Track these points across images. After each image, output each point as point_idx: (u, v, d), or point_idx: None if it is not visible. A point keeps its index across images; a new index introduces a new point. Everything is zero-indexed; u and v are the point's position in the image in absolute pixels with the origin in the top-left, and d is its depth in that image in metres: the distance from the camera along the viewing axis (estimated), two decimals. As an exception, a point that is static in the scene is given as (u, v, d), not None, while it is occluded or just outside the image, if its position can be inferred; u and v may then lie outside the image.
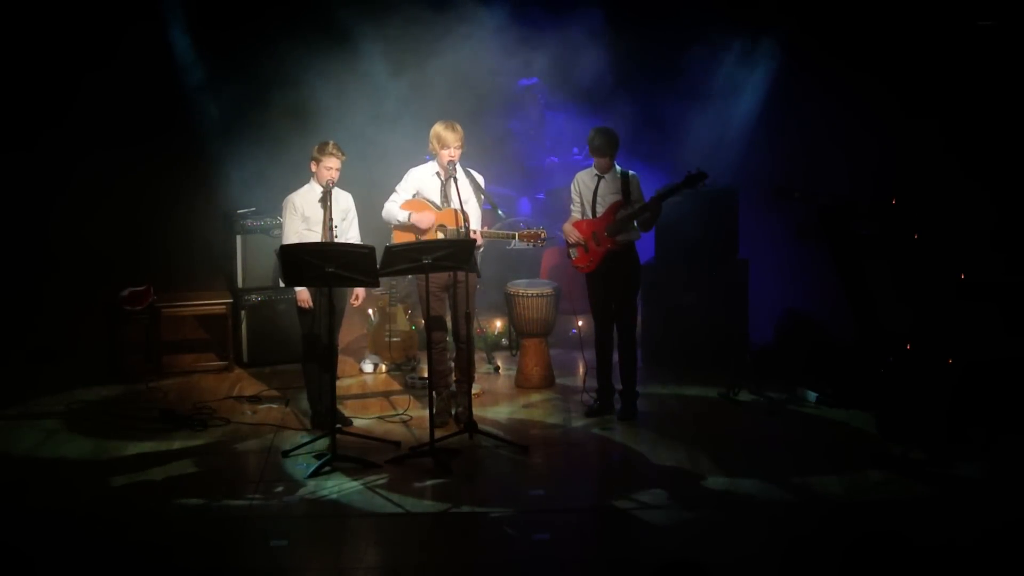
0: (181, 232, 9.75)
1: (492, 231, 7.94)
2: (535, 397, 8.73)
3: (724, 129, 9.97)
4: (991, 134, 9.17)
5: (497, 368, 9.32)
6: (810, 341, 8.77)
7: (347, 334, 9.58)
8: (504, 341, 9.76)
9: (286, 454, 7.47)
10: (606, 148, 7.94)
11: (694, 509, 6.63)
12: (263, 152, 9.62)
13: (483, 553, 6.32)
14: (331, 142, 7.76)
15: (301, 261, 7.12)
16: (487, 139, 9.64)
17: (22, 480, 7.19)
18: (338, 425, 7.56)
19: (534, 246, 8.20)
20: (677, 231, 9.19)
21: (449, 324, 8.05)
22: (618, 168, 8.04)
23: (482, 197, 7.99)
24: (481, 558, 6.27)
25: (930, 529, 6.27)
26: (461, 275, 7.63)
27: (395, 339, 9.38)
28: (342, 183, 7.83)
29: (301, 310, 7.85)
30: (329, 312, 7.42)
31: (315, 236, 7.72)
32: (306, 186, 7.87)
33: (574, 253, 8.15)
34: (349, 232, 7.96)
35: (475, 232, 7.77)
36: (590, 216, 8.07)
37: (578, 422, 8.16)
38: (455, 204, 7.71)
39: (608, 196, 8.01)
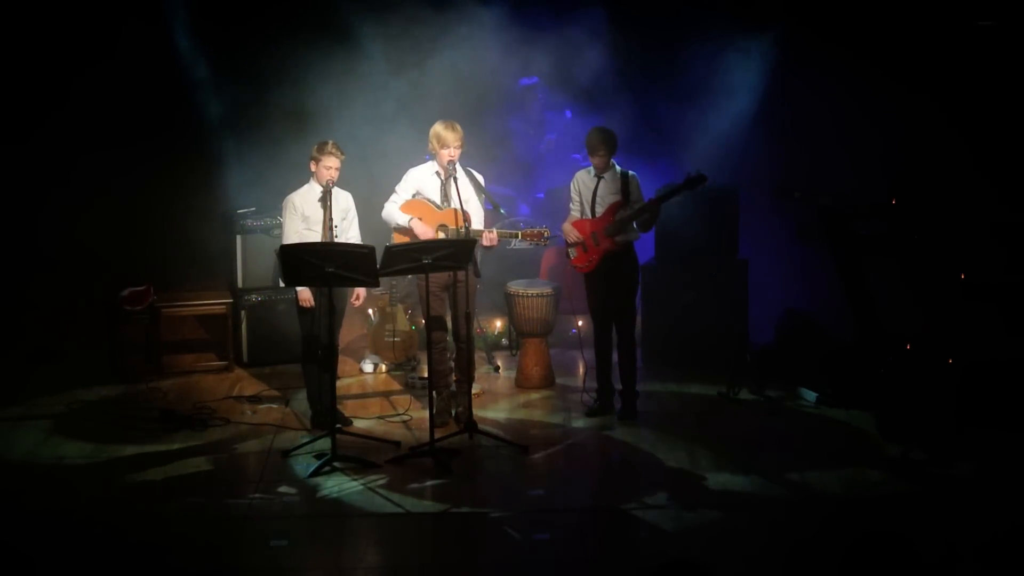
0: (181, 232, 9.74)
1: (500, 230, 7.93)
2: (535, 397, 8.73)
3: (724, 128, 9.96)
4: (993, 132, 9.18)
5: (497, 368, 9.33)
6: (810, 341, 8.77)
7: (347, 334, 9.57)
8: (504, 341, 9.76)
9: (286, 454, 7.47)
10: (598, 145, 7.92)
11: (694, 509, 6.63)
12: (263, 152, 9.61)
13: (483, 553, 6.33)
14: (330, 142, 7.76)
15: (301, 261, 7.12)
16: (487, 139, 9.63)
17: (22, 480, 7.19)
18: (338, 425, 7.56)
19: (537, 245, 8.19)
20: (677, 231, 9.19)
21: (449, 324, 8.05)
22: (618, 168, 8.04)
23: (483, 196, 7.99)
24: (481, 558, 6.27)
25: (930, 529, 6.27)
26: (461, 275, 7.63)
27: (395, 339, 9.38)
28: (342, 183, 7.83)
29: (301, 310, 7.85)
30: (329, 312, 7.42)
31: (315, 236, 7.72)
32: (306, 186, 7.87)
33: (573, 253, 8.15)
34: (349, 232, 7.95)
35: (490, 232, 7.77)
36: (589, 216, 8.07)
37: (578, 422, 8.16)
38: (455, 204, 7.71)
39: (607, 196, 8.01)
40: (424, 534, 6.47)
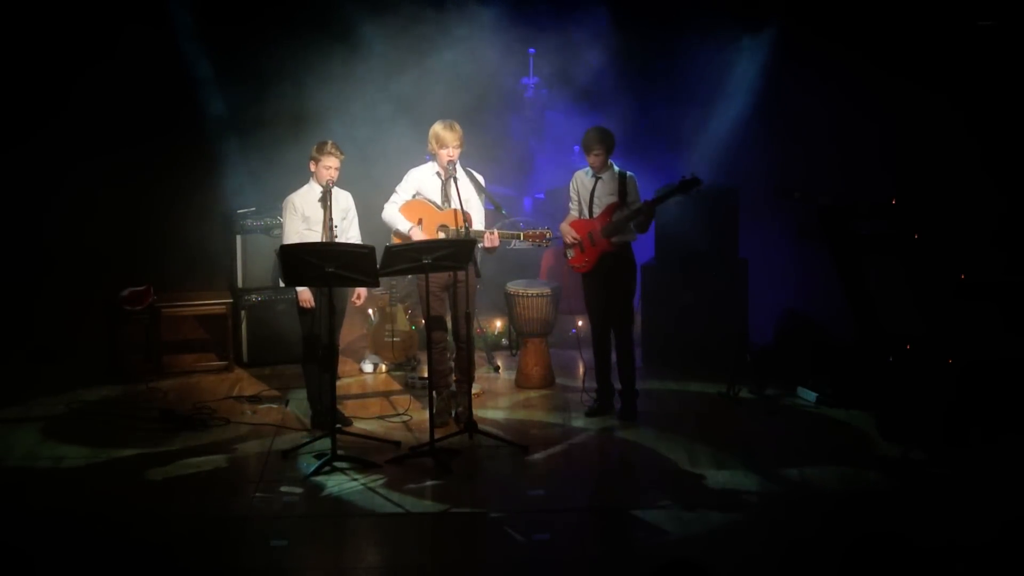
0: (181, 232, 9.74)
1: (501, 231, 7.93)
2: (535, 397, 8.73)
3: (724, 128, 9.96)
4: (993, 132, 9.18)
5: (497, 368, 9.33)
6: (810, 341, 8.77)
7: (347, 334, 9.57)
8: (504, 341, 9.77)
9: (286, 454, 7.47)
10: (594, 144, 7.92)
11: (694, 509, 6.62)
12: (263, 152, 9.62)
13: (483, 553, 6.33)
14: (329, 142, 7.76)
15: (301, 261, 7.12)
16: (487, 139, 9.64)
17: (22, 480, 7.19)
18: (338, 425, 7.56)
19: (538, 246, 8.20)
20: (677, 231, 9.19)
21: (449, 324, 8.05)
22: (616, 169, 8.04)
23: (483, 196, 7.99)
24: (481, 558, 6.27)
25: (930, 529, 6.27)
26: (461, 275, 7.63)
27: (395, 339, 9.38)
28: (341, 183, 7.83)
29: (302, 310, 7.85)
30: (329, 312, 7.42)
31: (315, 236, 7.72)
32: (305, 186, 7.87)
33: (570, 253, 8.15)
34: (349, 231, 7.96)
35: (492, 233, 7.77)
36: (587, 216, 8.08)
37: (578, 422, 8.16)
38: (456, 204, 7.71)
39: (605, 197, 8.01)
40: (424, 534, 6.47)
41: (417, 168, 8.06)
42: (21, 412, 8.38)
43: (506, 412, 8.39)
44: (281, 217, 8.06)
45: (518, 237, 8.04)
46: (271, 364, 9.41)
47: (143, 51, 9.47)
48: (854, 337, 8.43)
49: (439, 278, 7.79)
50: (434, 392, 7.83)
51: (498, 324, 9.83)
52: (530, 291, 8.81)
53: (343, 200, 7.91)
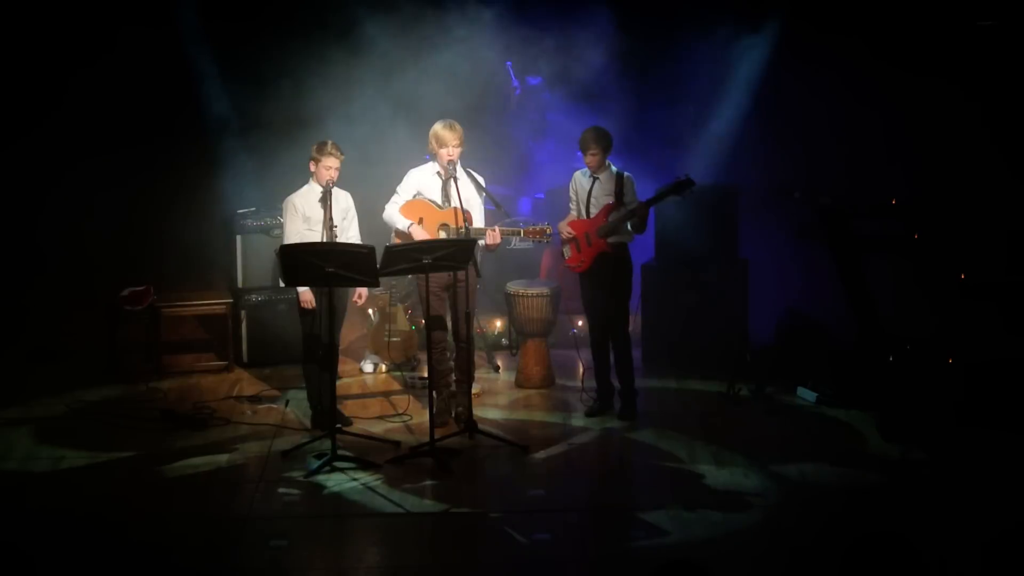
0: (181, 232, 9.73)
1: (502, 228, 7.93)
2: (535, 397, 8.73)
3: (724, 128, 9.96)
4: (994, 131, 9.18)
5: (497, 368, 9.33)
6: (810, 341, 8.77)
7: (347, 334, 9.57)
8: (504, 341, 9.76)
9: (286, 454, 7.47)
10: (590, 144, 7.92)
11: (694, 509, 6.62)
12: (263, 152, 9.62)
13: (483, 553, 6.32)
14: (329, 142, 7.76)
15: (301, 261, 7.12)
16: (487, 139, 9.64)
17: (22, 480, 7.19)
18: (338, 425, 7.56)
19: (539, 242, 8.20)
20: (677, 231, 9.19)
21: (449, 324, 8.05)
22: (614, 169, 8.04)
23: (483, 196, 7.99)
24: (481, 558, 6.27)
25: (930, 529, 6.27)
26: (461, 275, 7.63)
27: (395, 339, 9.38)
28: (341, 183, 7.83)
29: (302, 310, 7.84)
30: (329, 312, 7.42)
31: (316, 236, 7.71)
32: (305, 186, 7.87)
33: (567, 252, 8.16)
34: (349, 231, 7.95)
35: (493, 230, 7.77)
36: (584, 216, 8.08)
37: (578, 422, 8.15)
38: (456, 204, 7.71)
39: (602, 197, 8.01)
40: (424, 534, 6.47)
41: (418, 168, 8.06)
42: (21, 412, 8.38)
43: (506, 412, 8.38)
44: (281, 217, 8.06)
45: (518, 234, 8.05)
46: (271, 364, 9.40)
47: (143, 50, 9.47)
48: (854, 337, 8.43)
49: (439, 278, 7.79)
50: (434, 392, 7.83)
51: (498, 324, 9.83)
52: (530, 291, 8.81)
53: (343, 200, 7.91)
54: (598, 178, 8.04)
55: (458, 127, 7.82)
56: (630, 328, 8.30)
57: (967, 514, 6.48)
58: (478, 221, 7.90)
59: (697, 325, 9.16)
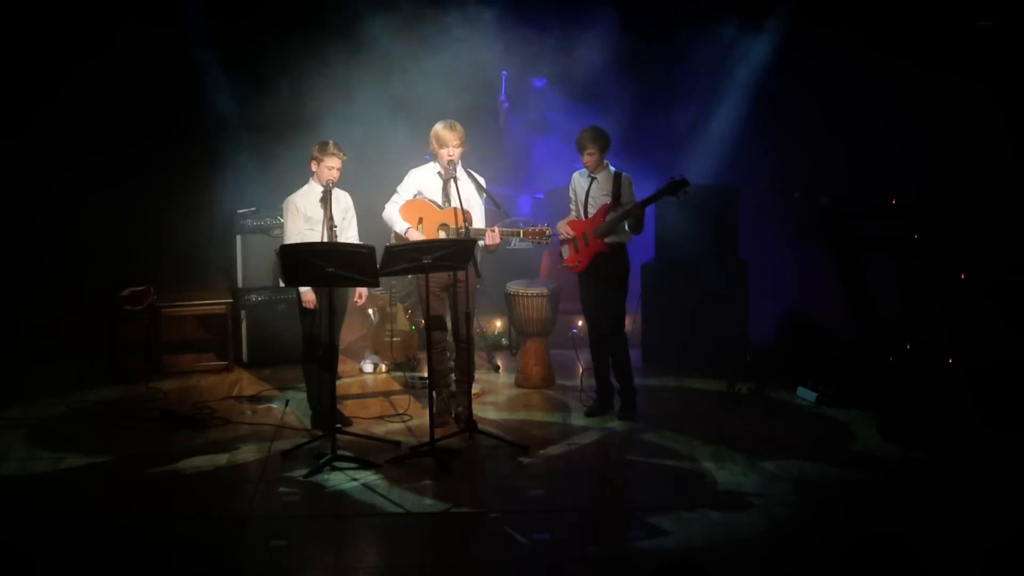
0: (181, 232, 9.74)
1: (501, 228, 7.93)
2: (535, 397, 8.73)
3: (724, 128, 9.97)
4: (995, 131, 9.18)
5: (497, 368, 9.33)
6: (810, 341, 8.77)
7: (347, 334, 9.57)
8: (504, 341, 9.77)
9: (286, 454, 7.47)
10: (586, 143, 7.92)
11: (694, 509, 6.62)
12: (263, 152, 9.62)
13: (483, 553, 6.32)
14: (331, 142, 7.76)
15: (301, 261, 7.12)
16: (487, 139, 9.64)
17: (22, 480, 7.19)
18: (338, 425, 7.56)
19: (538, 243, 8.20)
20: (677, 231, 9.19)
21: (449, 324, 8.05)
22: (612, 169, 8.04)
23: (484, 197, 7.99)
24: (481, 558, 6.27)
25: (930, 529, 6.27)
26: (461, 275, 7.63)
27: (395, 339, 9.38)
28: (341, 183, 7.83)
29: (303, 310, 7.84)
30: (329, 312, 7.42)
31: (317, 236, 7.71)
32: (306, 186, 7.87)
33: (565, 252, 8.16)
34: (348, 231, 7.95)
35: (492, 231, 7.77)
36: (583, 216, 8.08)
37: (578, 422, 8.16)
38: (456, 204, 7.71)
39: (600, 197, 8.02)
40: (424, 534, 6.47)
41: (418, 168, 8.06)
42: (21, 412, 8.38)
43: (506, 412, 8.38)
44: (281, 217, 8.06)
45: (518, 235, 8.05)
46: (271, 364, 9.41)
47: (143, 49, 9.47)
48: (854, 337, 8.43)
49: (439, 278, 7.79)
50: (434, 392, 7.83)
51: (498, 324, 9.83)
52: (530, 291, 8.81)
53: (343, 200, 7.91)
54: (596, 178, 8.04)
55: (459, 127, 7.82)
56: (628, 328, 8.31)
57: (967, 514, 6.49)
58: (478, 221, 7.90)
59: (697, 325, 9.16)
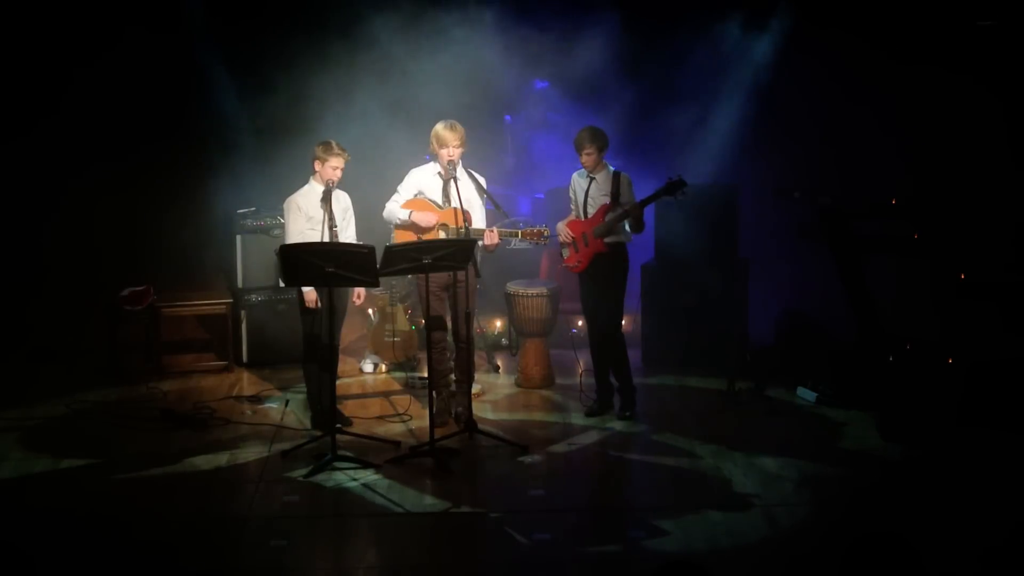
0: (181, 232, 9.75)
1: (500, 229, 7.94)
2: (535, 397, 8.73)
3: (724, 128, 9.96)
4: (995, 130, 9.19)
5: (497, 368, 9.33)
6: (810, 341, 8.78)
7: (347, 334, 9.57)
8: (504, 341, 9.77)
9: (286, 454, 7.47)
10: (583, 143, 7.92)
11: (694, 509, 6.62)
12: (263, 152, 9.62)
13: (483, 553, 6.32)
14: (334, 142, 7.77)
15: (301, 261, 7.12)
16: (486, 139, 9.64)
17: (22, 480, 7.19)
18: (338, 425, 7.56)
19: (537, 244, 8.20)
20: (677, 230, 9.19)
21: (449, 324, 8.05)
22: (611, 169, 8.05)
23: (484, 197, 7.99)
24: (481, 558, 6.27)
25: (930, 529, 6.27)
26: (461, 275, 7.63)
27: (395, 339, 9.38)
28: (341, 184, 7.82)
29: (304, 310, 7.84)
30: (329, 312, 7.42)
31: (317, 235, 7.71)
32: (306, 186, 7.87)
33: (565, 252, 8.16)
34: (347, 231, 7.95)
35: (491, 231, 7.78)
36: (583, 217, 8.08)
37: (578, 422, 8.16)
38: (456, 204, 7.71)
39: (599, 197, 8.02)
40: (424, 534, 6.47)
41: (419, 168, 8.07)
42: (21, 412, 8.38)
43: (506, 412, 8.39)
44: (281, 217, 8.06)
45: (516, 235, 8.05)
46: (271, 364, 9.41)
47: (145, 51, 9.48)
48: (854, 337, 8.43)
49: (439, 278, 7.79)
50: (434, 392, 7.83)
51: (498, 324, 9.83)
52: (530, 291, 8.81)
53: (342, 200, 7.91)
54: (595, 178, 8.04)
55: (459, 127, 7.82)
56: (628, 328, 8.31)
57: (967, 514, 6.48)
58: (478, 222, 7.90)
59: (697, 325, 9.16)
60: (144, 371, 9.19)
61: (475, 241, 7.65)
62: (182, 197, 9.79)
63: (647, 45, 10.00)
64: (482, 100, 9.79)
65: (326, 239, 7.61)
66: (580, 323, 9.47)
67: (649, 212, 8.18)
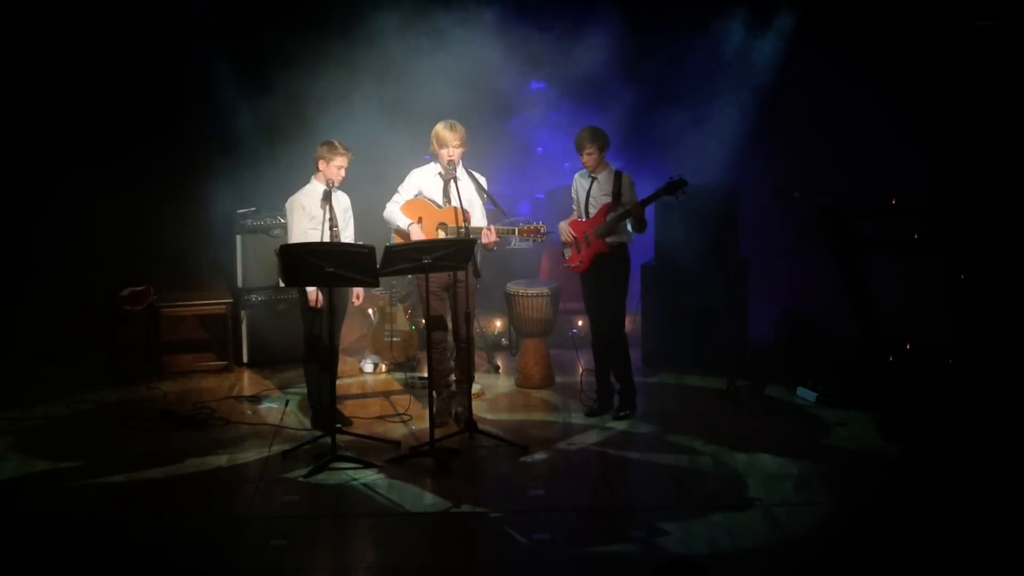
0: (181, 232, 9.74)
1: (498, 227, 7.94)
2: (535, 397, 8.73)
3: (724, 128, 9.95)
4: (996, 130, 9.18)
5: (497, 368, 9.33)
6: (810, 341, 8.77)
7: (347, 334, 9.56)
8: (504, 341, 9.77)
9: (286, 454, 7.47)
10: (584, 143, 7.91)
11: (694, 509, 6.62)
12: (263, 152, 9.61)
13: (483, 553, 6.32)
14: (337, 141, 7.77)
15: (301, 261, 7.12)
16: (486, 139, 9.62)
17: (22, 480, 7.19)
18: (338, 425, 7.56)
19: (535, 241, 8.20)
20: (677, 230, 9.19)
21: (449, 324, 8.05)
22: (612, 169, 8.04)
23: (485, 197, 7.99)
24: (481, 558, 6.27)
25: (930, 529, 6.27)
26: (461, 275, 7.63)
27: (395, 339, 9.38)
28: (341, 184, 7.82)
29: (306, 309, 7.83)
30: (329, 312, 7.42)
31: (318, 235, 7.70)
32: (308, 186, 7.87)
33: (567, 252, 8.16)
34: (346, 231, 7.95)
35: (489, 229, 7.77)
36: (584, 217, 8.08)
37: (578, 422, 8.15)
38: (456, 204, 7.71)
39: (600, 197, 8.02)
40: (424, 534, 6.47)
41: (419, 168, 8.07)
42: (22, 413, 8.37)
43: (506, 412, 8.38)
44: (282, 217, 8.05)
45: (514, 232, 8.05)
46: (271, 364, 9.41)
47: (144, 50, 9.46)
48: (854, 337, 8.43)
49: (439, 278, 7.79)
50: (434, 392, 7.83)
51: (498, 324, 9.83)
52: (530, 291, 8.81)
53: (343, 200, 7.91)
54: (596, 178, 8.04)
55: (459, 127, 7.82)
56: (628, 328, 8.30)
57: (967, 514, 6.48)
58: (478, 221, 7.90)
59: (697, 325, 9.16)
60: (144, 371, 9.19)
61: (475, 241, 7.64)
62: (182, 197, 9.79)
63: (648, 45, 9.99)
64: (482, 100, 9.78)
65: (326, 239, 7.61)
66: (580, 323, 9.47)
67: (649, 212, 8.17)
